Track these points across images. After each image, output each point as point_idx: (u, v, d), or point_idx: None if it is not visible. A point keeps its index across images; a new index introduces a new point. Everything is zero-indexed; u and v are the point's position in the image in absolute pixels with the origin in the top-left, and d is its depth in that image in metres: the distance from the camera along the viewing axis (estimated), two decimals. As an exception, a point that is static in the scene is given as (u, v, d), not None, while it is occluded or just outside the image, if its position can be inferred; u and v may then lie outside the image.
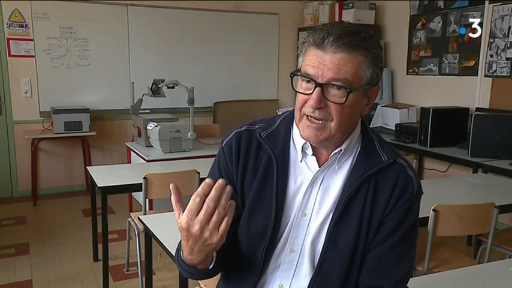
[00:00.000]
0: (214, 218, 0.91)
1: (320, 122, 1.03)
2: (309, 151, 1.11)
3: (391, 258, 1.10)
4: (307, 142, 1.10)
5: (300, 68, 1.05)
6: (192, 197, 0.91)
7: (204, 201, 0.91)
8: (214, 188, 0.90)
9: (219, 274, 1.21)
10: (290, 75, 1.07)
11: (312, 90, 1.01)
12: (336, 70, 0.98)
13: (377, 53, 1.02)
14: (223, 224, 0.92)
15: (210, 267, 1.05)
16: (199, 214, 0.91)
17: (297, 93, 1.06)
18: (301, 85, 1.04)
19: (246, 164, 1.14)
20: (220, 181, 0.90)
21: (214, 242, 0.93)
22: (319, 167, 1.11)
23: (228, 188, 0.91)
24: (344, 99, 1.00)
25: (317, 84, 1.00)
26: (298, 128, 1.09)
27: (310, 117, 1.03)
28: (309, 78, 1.01)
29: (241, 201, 1.15)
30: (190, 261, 1.01)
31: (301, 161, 1.12)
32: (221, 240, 0.94)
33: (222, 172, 1.16)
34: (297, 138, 1.13)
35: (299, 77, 1.05)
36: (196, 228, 0.91)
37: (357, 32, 1.00)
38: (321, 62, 0.99)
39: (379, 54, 1.04)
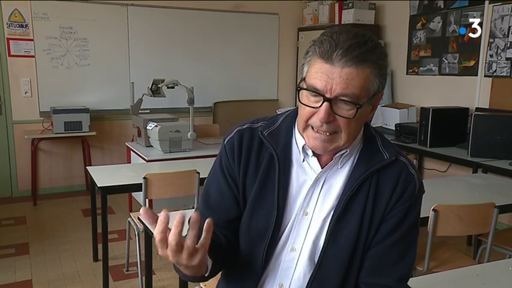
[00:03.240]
0: (184, 254, 0.91)
1: (328, 133, 1.02)
2: (310, 152, 1.11)
3: (392, 256, 1.10)
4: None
5: (304, 77, 1.03)
6: (155, 230, 0.89)
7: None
8: (173, 226, 0.88)
9: (219, 273, 1.21)
10: (297, 89, 1.05)
11: (319, 104, 0.99)
12: (344, 85, 0.97)
13: (383, 63, 1.01)
14: (199, 253, 0.92)
15: (206, 275, 1.05)
16: (168, 250, 0.90)
17: (302, 105, 1.04)
18: (308, 97, 1.02)
19: (248, 162, 1.14)
20: (178, 217, 0.88)
21: (194, 264, 0.93)
22: (322, 167, 1.11)
23: (195, 216, 0.90)
24: (352, 112, 0.99)
25: (325, 99, 0.98)
26: (303, 137, 1.08)
27: (318, 130, 1.03)
28: (317, 93, 0.99)
29: (242, 199, 1.15)
30: (184, 271, 1.02)
31: (303, 160, 1.12)
32: (203, 260, 0.95)
33: (223, 170, 1.16)
34: (299, 138, 1.12)
35: (305, 91, 1.02)
36: (170, 258, 0.92)
37: (364, 43, 0.97)
38: (329, 76, 0.97)
39: (385, 64, 1.02)
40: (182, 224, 0.88)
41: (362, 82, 0.98)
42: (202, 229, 0.92)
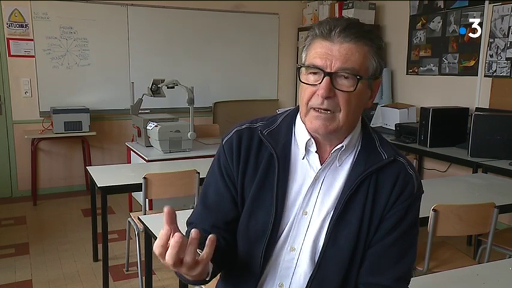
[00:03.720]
0: (183, 268, 0.90)
1: (328, 112, 1.03)
2: (313, 148, 1.11)
3: (391, 256, 1.10)
4: (311, 139, 1.10)
5: (304, 62, 1.06)
6: (155, 244, 0.90)
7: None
8: (171, 246, 0.87)
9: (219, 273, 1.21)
10: (297, 67, 1.08)
11: (320, 81, 1.01)
12: (344, 60, 1.00)
13: (380, 44, 1.05)
14: (200, 265, 0.91)
15: (207, 279, 1.05)
16: (167, 263, 0.90)
17: (303, 88, 1.06)
18: (308, 79, 1.05)
19: (247, 162, 1.13)
20: (176, 237, 0.87)
21: (195, 274, 0.93)
22: (321, 165, 1.11)
23: (194, 233, 0.89)
24: (353, 87, 1.01)
25: (326, 74, 1.01)
26: (304, 123, 1.09)
27: (319, 109, 1.04)
28: (317, 69, 1.02)
29: (240, 200, 1.14)
30: (185, 277, 1.01)
31: (303, 158, 1.12)
32: (204, 270, 0.94)
33: (222, 170, 1.16)
34: (300, 136, 1.13)
35: (305, 71, 1.05)
36: (171, 268, 0.91)
37: (361, 25, 1.04)
38: (328, 52, 1.01)
39: (382, 46, 1.07)
40: (179, 244, 0.87)
41: (361, 58, 1.01)
42: (200, 239, 0.91)
